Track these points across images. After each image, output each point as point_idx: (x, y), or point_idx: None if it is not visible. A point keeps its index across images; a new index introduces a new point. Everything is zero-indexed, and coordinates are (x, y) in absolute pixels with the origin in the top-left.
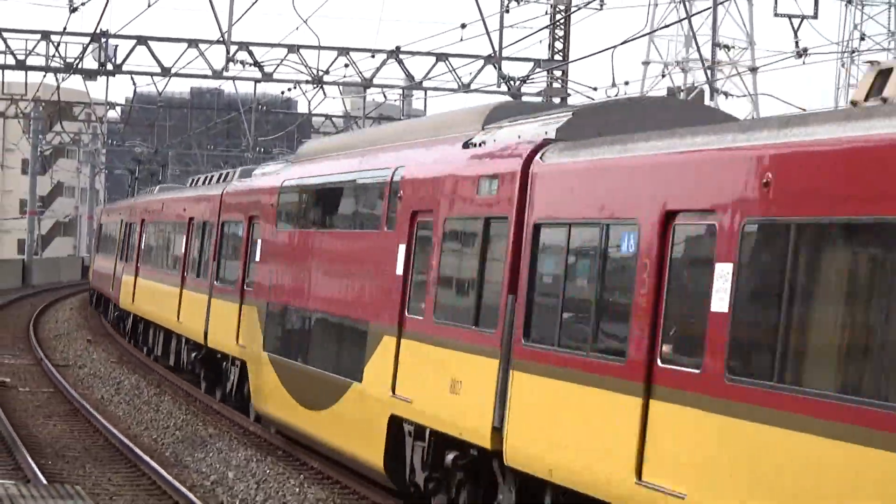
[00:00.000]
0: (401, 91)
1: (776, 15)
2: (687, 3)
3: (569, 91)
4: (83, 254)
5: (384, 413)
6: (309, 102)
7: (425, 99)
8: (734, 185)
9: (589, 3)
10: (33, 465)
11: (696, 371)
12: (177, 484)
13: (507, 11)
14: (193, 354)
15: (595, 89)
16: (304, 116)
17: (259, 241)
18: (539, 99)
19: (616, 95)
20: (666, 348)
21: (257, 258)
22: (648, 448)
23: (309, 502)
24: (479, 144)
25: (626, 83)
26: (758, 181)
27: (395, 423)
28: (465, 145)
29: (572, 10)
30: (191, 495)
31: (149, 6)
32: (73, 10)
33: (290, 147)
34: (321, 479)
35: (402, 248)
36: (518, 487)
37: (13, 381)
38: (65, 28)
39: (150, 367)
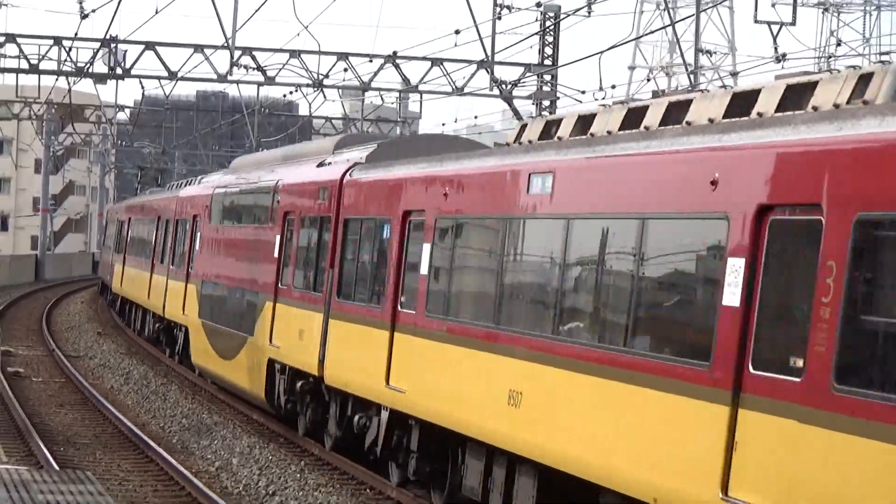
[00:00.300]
0: (397, 94)
1: (756, 22)
2: (671, 11)
3: (558, 94)
4: (93, 249)
5: (265, 357)
6: (310, 105)
7: (421, 102)
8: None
9: (577, 10)
10: (46, 452)
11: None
12: (183, 470)
13: (500, 18)
14: (157, 325)
15: (583, 92)
16: (305, 119)
17: (198, 234)
18: (528, 102)
19: (603, 99)
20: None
21: (197, 247)
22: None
23: (309, 487)
24: (326, 164)
25: (613, 87)
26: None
27: (271, 365)
28: (318, 165)
29: (561, 17)
30: (196, 481)
31: (156, 13)
32: (84, 16)
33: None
34: (321, 465)
35: (277, 238)
36: (337, 400)
37: (27, 372)
38: (76, 34)
39: (158, 359)
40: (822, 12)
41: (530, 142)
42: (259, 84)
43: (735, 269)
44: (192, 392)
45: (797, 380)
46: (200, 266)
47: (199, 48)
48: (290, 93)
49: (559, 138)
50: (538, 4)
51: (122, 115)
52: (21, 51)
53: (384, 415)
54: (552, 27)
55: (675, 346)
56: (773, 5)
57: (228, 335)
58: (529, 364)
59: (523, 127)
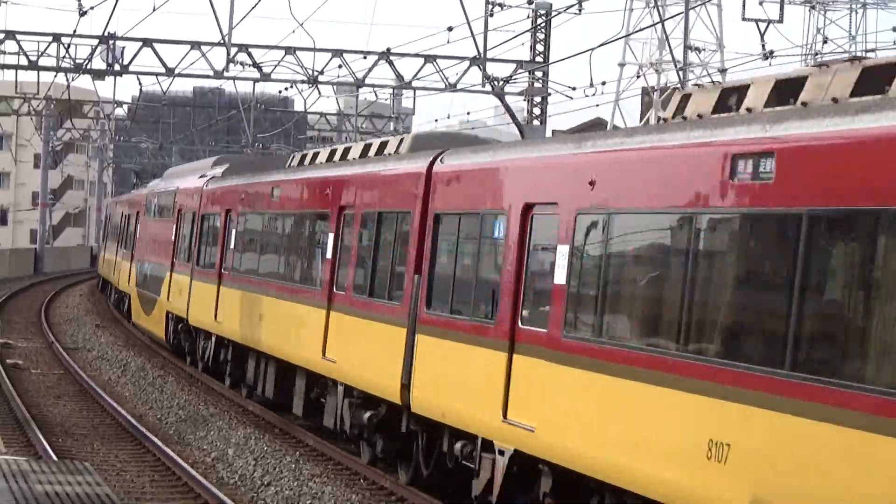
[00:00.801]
0: (391, 90)
1: (744, 19)
2: (660, 8)
3: (549, 91)
4: (92, 243)
5: (165, 311)
6: (305, 101)
7: (414, 98)
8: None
9: (568, 7)
10: (44, 443)
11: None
12: (180, 460)
13: (492, 15)
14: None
15: (574, 89)
16: (301, 114)
17: (137, 226)
18: (520, 98)
19: (594, 94)
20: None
21: (137, 236)
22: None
23: (304, 477)
24: (207, 177)
25: (604, 83)
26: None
27: (170, 316)
28: (200, 177)
29: (553, 14)
30: (193, 471)
31: (154, 10)
32: (83, 13)
33: (287, 143)
34: (315, 455)
35: (173, 228)
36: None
37: (26, 363)
38: (75, 31)
39: (155, 350)
40: (809, 10)
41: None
42: (255, 80)
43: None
44: (189, 384)
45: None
46: (136, 249)
47: (195, 45)
48: (286, 89)
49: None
50: (530, 2)
51: (120, 111)
52: (20, 47)
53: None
54: (543, 24)
55: (309, 281)
56: (761, 3)
57: (148, 297)
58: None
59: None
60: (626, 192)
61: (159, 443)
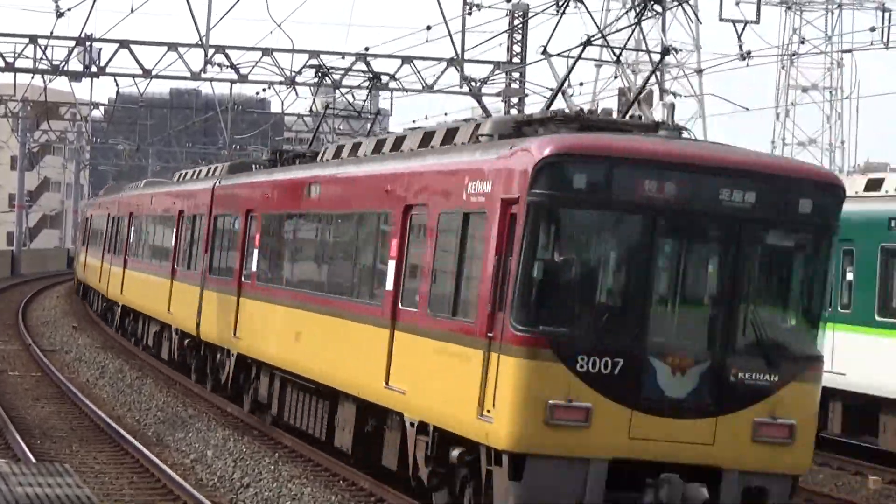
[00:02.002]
0: (368, 91)
1: (721, 20)
2: (637, 9)
3: (526, 91)
4: (69, 245)
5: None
6: (282, 102)
7: (391, 99)
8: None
9: (546, 8)
10: (23, 445)
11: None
12: (158, 462)
13: (470, 14)
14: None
15: (551, 90)
16: (277, 116)
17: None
18: (497, 99)
19: (571, 96)
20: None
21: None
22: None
23: (283, 479)
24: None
25: (581, 84)
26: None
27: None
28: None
29: (530, 15)
30: (172, 473)
31: (132, 11)
32: (60, 15)
33: (265, 144)
34: (294, 456)
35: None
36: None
37: (3, 366)
38: (52, 32)
39: (133, 353)
40: (786, 10)
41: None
42: (232, 82)
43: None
44: (167, 385)
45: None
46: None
47: (172, 46)
48: (263, 90)
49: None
50: (508, 1)
51: (97, 113)
52: None
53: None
54: (520, 25)
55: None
56: (738, 3)
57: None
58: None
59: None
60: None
61: (138, 444)
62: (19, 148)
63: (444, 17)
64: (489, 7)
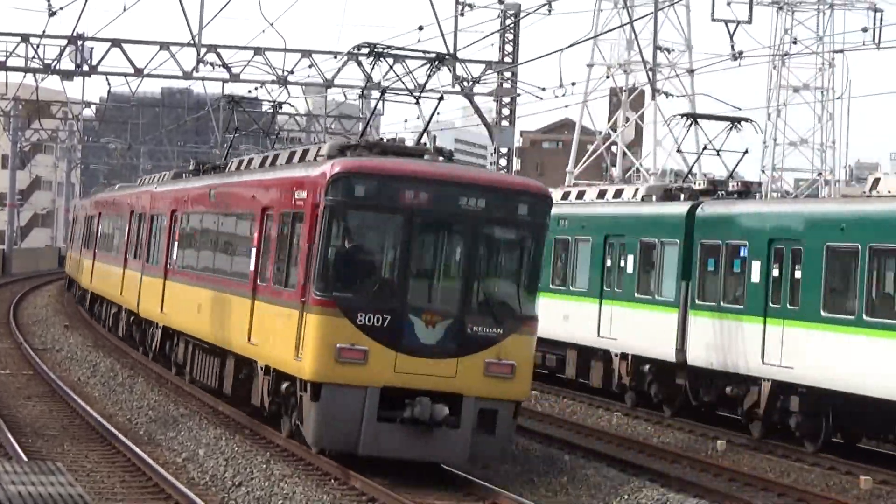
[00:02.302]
0: (360, 91)
1: (713, 20)
2: (629, 9)
3: (518, 91)
4: (60, 244)
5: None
6: (274, 102)
7: (383, 98)
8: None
9: (538, 8)
10: (14, 444)
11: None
12: (150, 461)
13: (462, 15)
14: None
15: (543, 89)
16: (270, 115)
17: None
18: (489, 99)
19: (563, 95)
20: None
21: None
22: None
23: (275, 478)
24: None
25: (574, 84)
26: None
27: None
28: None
29: (522, 15)
30: (163, 472)
31: (124, 10)
32: (52, 13)
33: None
34: (286, 455)
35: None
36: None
37: None
38: (44, 31)
39: (125, 351)
40: (777, 11)
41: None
42: (224, 81)
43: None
44: (159, 384)
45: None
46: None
47: (164, 45)
48: (255, 89)
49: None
50: (500, 1)
51: (89, 112)
52: None
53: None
54: (512, 25)
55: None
56: (730, 4)
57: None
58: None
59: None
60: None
61: (129, 443)
62: (11, 147)
63: (436, 17)
64: (481, 7)
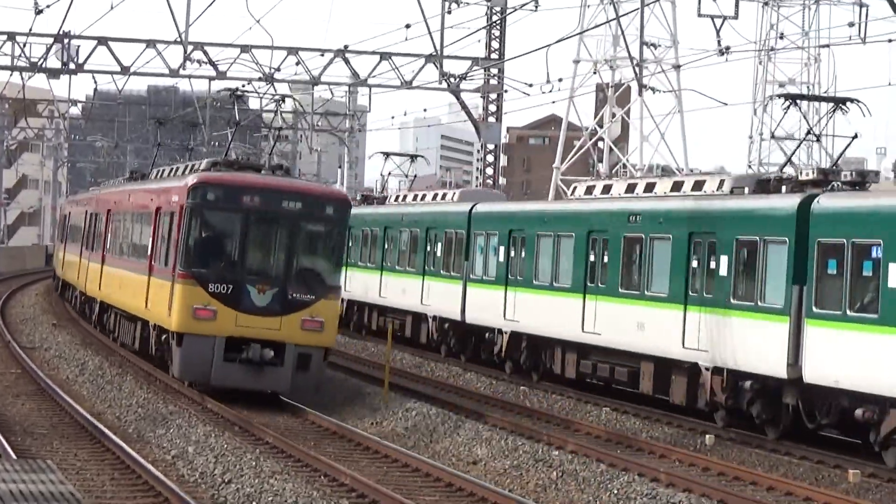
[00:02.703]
0: (347, 88)
1: (700, 15)
2: (615, 5)
3: (505, 87)
4: (47, 242)
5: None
6: (261, 99)
7: (370, 95)
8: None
9: (524, 4)
10: (3, 442)
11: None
12: (139, 458)
13: (449, 12)
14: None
15: (531, 85)
16: (256, 112)
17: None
18: (476, 95)
19: (550, 91)
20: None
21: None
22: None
23: (265, 474)
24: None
25: (560, 80)
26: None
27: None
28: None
29: (508, 11)
30: (153, 469)
31: (111, 8)
32: (39, 12)
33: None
34: (276, 452)
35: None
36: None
37: None
38: (30, 29)
39: (113, 349)
40: (763, 6)
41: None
42: (211, 78)
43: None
44: (147, 382)
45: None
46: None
47: (151, 43)
48: (242, 87)
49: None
50: None
51: (75, 110)
52: None
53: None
54: (499, 22)
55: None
56: None
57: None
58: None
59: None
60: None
61: (119, 441)
62: None
63: (423, 14)
64: (468, 3)
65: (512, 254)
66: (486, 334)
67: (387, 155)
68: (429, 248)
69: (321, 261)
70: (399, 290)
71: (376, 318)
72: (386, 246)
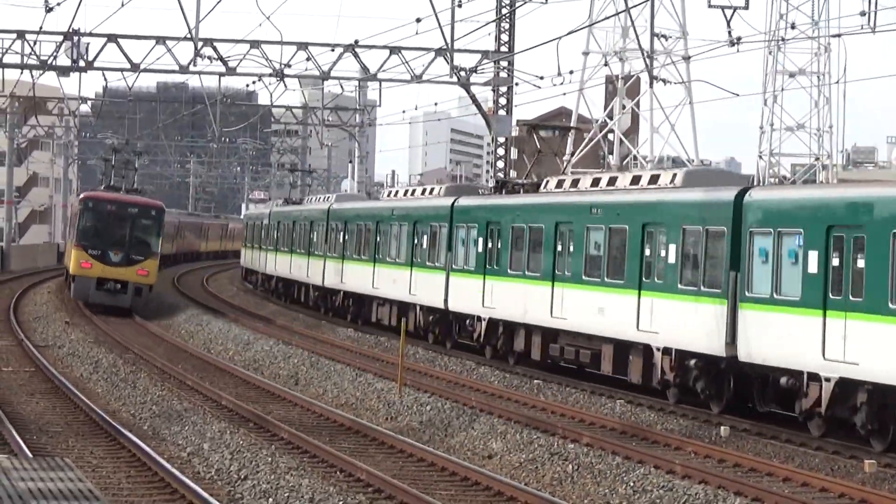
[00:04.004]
0: (357, 83)
1: (710, 6)
2: None
3: (516, 80)
4: (58, 240)
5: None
6: (271, 95)
7: (380, 90)
8: None
9: None
10: (19, 440)
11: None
12: (155, 455)
13: (460, 6)
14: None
15: (541, 78)
16: (266, 108)
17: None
18: (486, 88)
19: (560, 84)
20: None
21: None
22: None
23: (281, 470)
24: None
25: (571, 72)
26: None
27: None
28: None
29: (518, 4)
30: (169, 466)
31: (122, 5)
32: (49, 10)
33: (253, 136)
34: (291, 448)
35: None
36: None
37: None
38: (40, 27)
39: (126, 347)
40: None
41: None
42: (221, 74)
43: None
44: (161, 379)
45: (69, 240)
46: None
47: (161, 40)
48: (252, 83)
49: None
50: None
51: (85, 108)
52: None
53: None
54: (508, 14)
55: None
56: None
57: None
58: None
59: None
60: None
61: (134, 438)
62: (7, 143)
63: (433, 8)
64: None
65: (489, 245)
66: (467, 321)
67: (291, 170)
68: (416, 241)
69: (147, 238)
70: (390, 282)
71: (376, 309)
72: (378, 239)
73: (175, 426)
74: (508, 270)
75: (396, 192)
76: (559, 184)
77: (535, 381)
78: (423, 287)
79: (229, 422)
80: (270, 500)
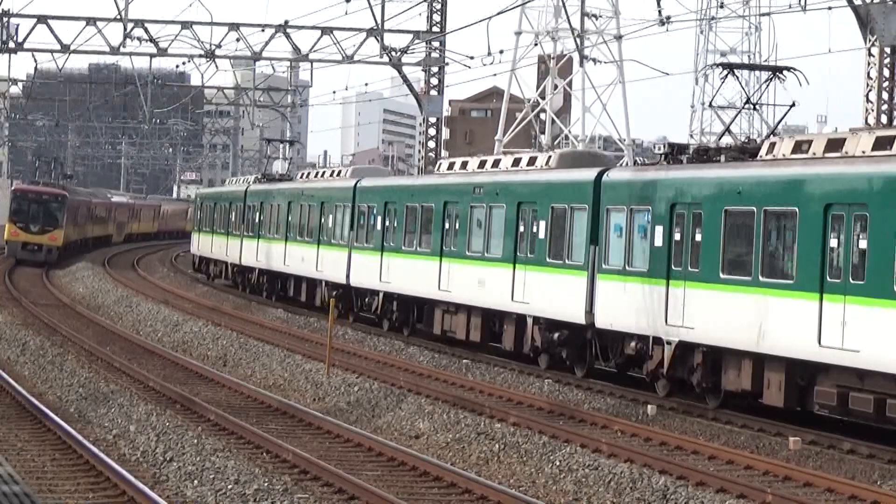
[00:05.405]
0: (288, 63)
1: None
2: None
3: (447, 60)
4: None
5: None
6: (202, 76)
7: (312, 70)
8: None
9: None
10: None
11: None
12: (80, 438)
13: None
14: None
15: (472, 58)
16: (197, 89)
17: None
18: (418, 68)
19: (492, 63)
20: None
21: None
22: None
23: (206, 452)
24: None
25: (502, 52)
26: None
27: None
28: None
29: None
30: (94, 448)
31: None
32: None
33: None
34: (218, 429)
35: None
36: None
37: None
38: None
39: (55, 329)
40: None
41: None
42: (151, 56)
43: None
44: (89, 361)
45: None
46: None
47: (91, 21)
48: (183, 63)
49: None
50: None
51: (15, 89)
52: None
53: None
54: None
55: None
56: None
57: None
58: None
59: None
60: None
61: (60, 421)
62: None
63: None
64: None
65: (387, 223)
66: (367, 297)
67: (269, 141)
68: (322, 220)
69: (54, 216)
70: (299, 259)
71: (285, 284)
72: (290, 219)
73: (101, 408)
74: (403, 247)
75: (308, 174)
76: (450, 166)
77: (464, 360)
78: (328, 264)
79: (156, 403)
80: (196, 481)
